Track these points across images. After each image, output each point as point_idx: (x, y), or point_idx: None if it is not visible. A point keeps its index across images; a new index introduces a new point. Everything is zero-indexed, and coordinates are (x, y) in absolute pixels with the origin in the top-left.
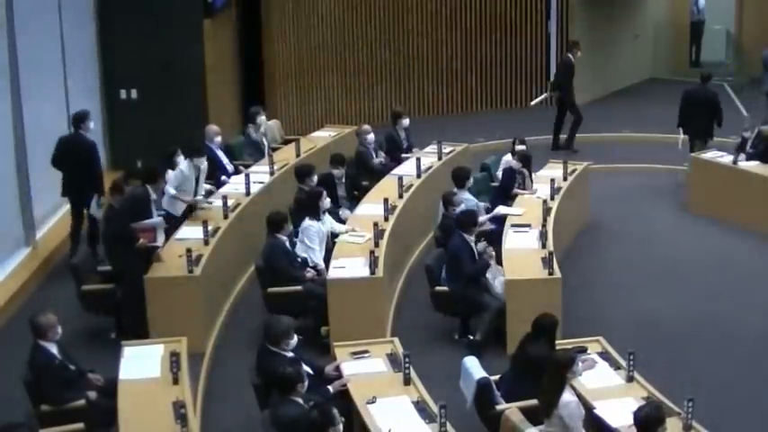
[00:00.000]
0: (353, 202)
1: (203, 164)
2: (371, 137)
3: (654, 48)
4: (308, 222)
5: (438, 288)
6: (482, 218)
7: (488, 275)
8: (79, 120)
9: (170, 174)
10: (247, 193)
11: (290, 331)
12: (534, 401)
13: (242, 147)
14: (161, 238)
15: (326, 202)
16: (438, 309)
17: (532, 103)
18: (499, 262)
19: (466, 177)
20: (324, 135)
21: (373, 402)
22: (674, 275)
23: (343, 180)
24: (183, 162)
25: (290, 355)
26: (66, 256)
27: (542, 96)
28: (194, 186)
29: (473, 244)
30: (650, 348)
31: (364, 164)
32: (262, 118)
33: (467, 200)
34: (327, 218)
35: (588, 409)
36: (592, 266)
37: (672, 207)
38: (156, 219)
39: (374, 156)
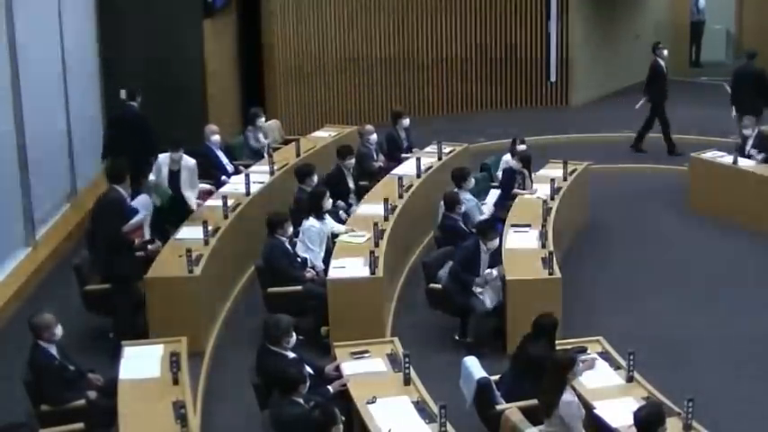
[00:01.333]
0: (359, 197)
1: (183, 159)
2: (374, 137)
3: None
4: (309, 223)
5: (432, 285)
6: (481, 217)
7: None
8: (132, 92)
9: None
10: (247, 193)
11: (290, 329)
12: (534, 401)
13: (242, 147)
14: (147, 231)
15: (329, 202)
16: (432, 305)
17: (637, 106)
18: (500, 262)
19: (466, 177)
20: (324, 135)
21: (373, 402)
22: (674, 275)
23: (352, 171)
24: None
25: (291, 354)
26: (67, 256)
27: (643, 100)
28: (167, 179)
29: (484, 254)
30: (650, 348)
31: (364, 165)
32: (261, 120)
33: (467, 200)
34: (328, 218)
35: (588, 409)
36: (592, 266)
37: (672, 207)
38: (140, 215)
39: (375, 157)
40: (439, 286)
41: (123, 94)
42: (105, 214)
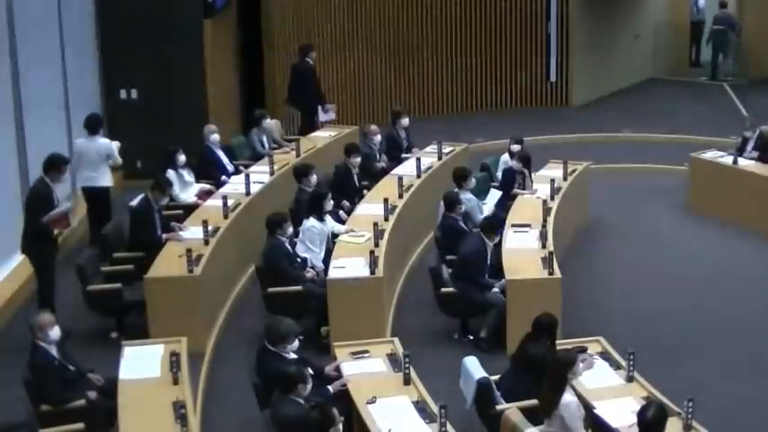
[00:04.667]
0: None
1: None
2: (378, 138)
3: (654, 48)
4: (310, 223)
5: (444, 289)
6: (482, 216)
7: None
8: (306, 49)
9: (170, 173)
10: (247, 193)
11: (290, 336)
12: (534, 401)
13: (242, 147)
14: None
15: (330, 204)
16: (443, 310)
17: None
18: (500, 261)
19: (466, 177)
20: (324, 135)
21: (373, 402)
22: (674, 275)
23: (357, 169)
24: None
25: (292, 355)
26: (66, 256)
27: None
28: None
29: (489, 249)
30: (650, 348)
31: (367, 165)
32: (267, 121)
33: (467, 200)
34: (328, 218)
35: (588, 409)
36: (592, 266)
37: (672, 207)
38: (64, 205)
39: (378, 157)
40: (451, 290)
41: (300, 50)
42: (32, 204)
